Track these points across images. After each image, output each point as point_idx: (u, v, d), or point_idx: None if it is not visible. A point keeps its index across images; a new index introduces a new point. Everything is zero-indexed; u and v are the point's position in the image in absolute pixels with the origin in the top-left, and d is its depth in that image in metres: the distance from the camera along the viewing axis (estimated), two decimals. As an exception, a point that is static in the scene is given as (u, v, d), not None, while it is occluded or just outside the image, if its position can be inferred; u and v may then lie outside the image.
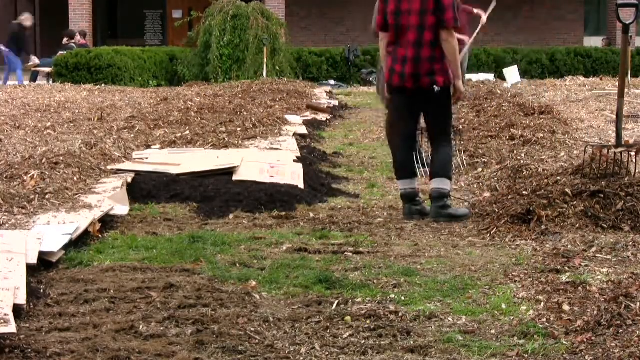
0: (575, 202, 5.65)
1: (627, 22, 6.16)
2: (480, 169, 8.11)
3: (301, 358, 3.57)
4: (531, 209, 5.67)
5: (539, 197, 5.78)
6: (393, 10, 6.13)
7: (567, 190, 5.74)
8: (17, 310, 3.93)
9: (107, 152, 8.19)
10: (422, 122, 6.75)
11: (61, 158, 7.30)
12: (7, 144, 9.32)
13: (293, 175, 7.44)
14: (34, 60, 20.70)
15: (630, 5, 6.45)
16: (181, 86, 19.33)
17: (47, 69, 20.45)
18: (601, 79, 19.46)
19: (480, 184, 7.45)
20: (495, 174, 7.64)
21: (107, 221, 5.91)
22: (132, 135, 9.79)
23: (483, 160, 8.47)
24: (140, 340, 3.69)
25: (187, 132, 9.79)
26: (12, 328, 3.62)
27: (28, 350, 3.55)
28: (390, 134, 6.54)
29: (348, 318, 3.98)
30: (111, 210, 6.07)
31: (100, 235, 5.58)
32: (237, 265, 4.94)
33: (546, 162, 8.06)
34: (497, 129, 10.12)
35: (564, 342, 3.64)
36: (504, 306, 4.17)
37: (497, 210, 5.96)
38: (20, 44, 19.88)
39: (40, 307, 4.18)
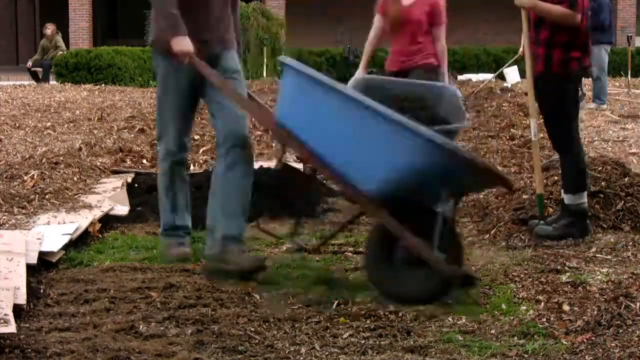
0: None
1: None
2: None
3: (301, 358, 3.56)
4: (531, 209, 5.66)
5: (539, 197, 5.77)
6: None
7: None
8: (17, 310, 3.93)
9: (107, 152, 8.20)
10: None
11: (61, 158, 7.30)
12: (7, 144, 9.33)
13: (293, 175, 7.42)
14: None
15: None
16: (181, 86, 19.31)
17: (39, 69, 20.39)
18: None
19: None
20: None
21: (107, 221, 5.90)
22: (132, 135, 9.79)
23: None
24: (140, 340, 3.69)
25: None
26: (12, 328, 3.62)
27: (28, 350, 3.55)
28: None
29: (342, 319, 3.98)
30: (111, 210, 6.07)
31: (100, 235, 5.58)
32: (237, 265, 4.93)
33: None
34: (497, 129, 10.12)
35: (564, 342, 3.64)
36: (504, 306, 4.16)
37: (497, 211, 5.96)
38: None
39: (40, 307, 4.18)
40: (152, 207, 6.15)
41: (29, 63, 20.60)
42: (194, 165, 7.64)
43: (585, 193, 5.41)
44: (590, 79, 13.97)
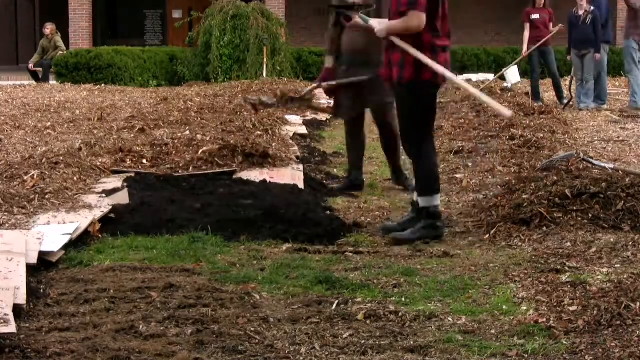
0: (575, 203, 5.65)
1: None
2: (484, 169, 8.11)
3: (301, 358, 3.57)
4: (531, 209, 5.67)
5: (539, 198, 5.78)
6: None
7: (566, 191, 5.73)
8: (17, 310, 3.94)
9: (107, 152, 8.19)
10: None
11: (61, 158, 7.30)
12: (7, 144, 9.33)
13: (293, 175, 7.44)
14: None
15: None
16: (181, 86, 19.33)
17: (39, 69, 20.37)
18: (601, 79, 19.38)
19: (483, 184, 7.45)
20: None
21: (107, 221, 5.90)
22: (132, 135, 9.79)
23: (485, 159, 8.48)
24: (140, 340, 3.70)
25: (187, 132, 9.78)
26: (12, 328, 3.62)
27: (28, 350, 3.56)
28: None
29: (361, 316, 3.99)
30: (111, 210, 6.06)
31: (100, 235, 5.57)
32: (237, 265, 4.94)
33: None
34: (497, 129, 10.12)
35: (564, 342, 3.65)
36: (504, 306, 4.17)
37: (497, 211, 5.96)
38: None
39: (40, 307, 4.18)
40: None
41: (30, 65, 20.57)
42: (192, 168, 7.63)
43: (438, 195, 5.72)
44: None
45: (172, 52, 22.34)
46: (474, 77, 20.85)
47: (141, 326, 3.85)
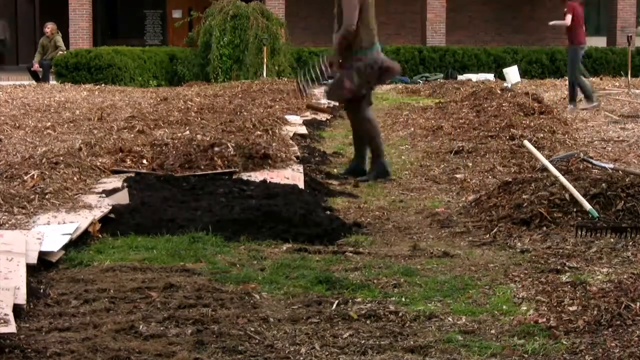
0: (575, 203, 5.65)
1: None
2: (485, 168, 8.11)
3: (301, 358, 3.57)
4: (531, 209, 5.67)
5: (539, 198, 5.78)
6: None
7: (566, 195, 5.73)
8: (17, 310, 3.94)
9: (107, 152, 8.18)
10: None
11: (61, 158, 7.30)
12: (7, 144, 9.32)
13: (293, 175, 7.44)
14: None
15: None
16: (181, 86, 19.33)
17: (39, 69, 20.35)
18: (601, 79, 19.43)
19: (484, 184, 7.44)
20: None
21: (107, 221, 5.90)
22: (132, 135, 9.79)
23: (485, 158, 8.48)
24: (140, 340, 3.70)
25: (187, 132, 9.78)
26: (12, 328, 3.62)
27: (28, 350, 3.56)
28: None
29: (353, 314, 3.99)
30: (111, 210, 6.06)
31: (100, 235, 5.57)
32: (237, 265, 4.94)
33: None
34: (497, 129, 10.12)
35: (564, 342, 3.65)
36: (504, 306, 4.17)
37: (497, 211, 5.96)
38: None
39: (40, 307, 4.18)
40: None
41: (35, 65, 20.49)
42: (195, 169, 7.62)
43: None
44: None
45: (172, 52, 22.34)
46: (474, 77, 20.87)
47: (141, 326, 3.85)
